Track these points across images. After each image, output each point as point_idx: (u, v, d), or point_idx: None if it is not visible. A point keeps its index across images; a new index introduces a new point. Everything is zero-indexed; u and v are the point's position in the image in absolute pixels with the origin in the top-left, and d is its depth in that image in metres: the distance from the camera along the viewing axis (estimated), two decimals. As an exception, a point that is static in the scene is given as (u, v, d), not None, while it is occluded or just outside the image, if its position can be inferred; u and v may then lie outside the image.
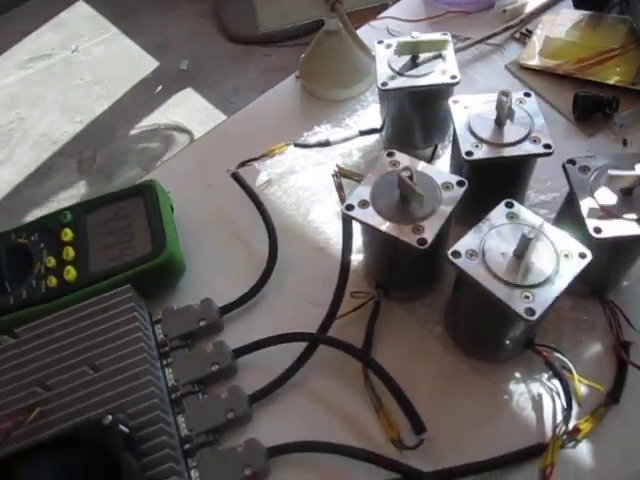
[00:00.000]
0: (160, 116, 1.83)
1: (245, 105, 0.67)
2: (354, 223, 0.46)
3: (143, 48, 2.02)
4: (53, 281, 0.50)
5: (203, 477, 0.41)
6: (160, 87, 1.91)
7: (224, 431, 0.44)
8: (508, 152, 0.46)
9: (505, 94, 0.46)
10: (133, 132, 1.81)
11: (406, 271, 0.48)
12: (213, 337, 0.49)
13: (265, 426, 0.44)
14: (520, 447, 0.41)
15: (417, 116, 0.55)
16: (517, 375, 0.45)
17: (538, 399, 0.44)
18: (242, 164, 0.56)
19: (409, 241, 0.41)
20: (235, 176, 0.55)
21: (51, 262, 0.51)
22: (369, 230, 0.44)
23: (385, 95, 0.54)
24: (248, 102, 0.67)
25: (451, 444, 0.42)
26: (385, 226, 0.42)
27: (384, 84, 0.51)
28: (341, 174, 0.54)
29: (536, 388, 0.44)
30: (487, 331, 0.45)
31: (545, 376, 0.45)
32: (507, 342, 0.44)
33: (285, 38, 1.91)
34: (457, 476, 0.40)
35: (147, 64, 1.97)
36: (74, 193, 1.65)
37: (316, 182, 0.57)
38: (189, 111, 1.83)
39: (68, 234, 0.52)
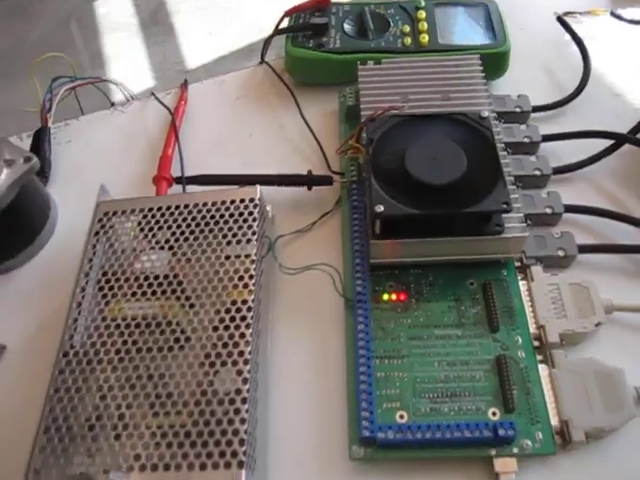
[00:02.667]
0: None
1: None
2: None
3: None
4: (408, 41, 0.61)
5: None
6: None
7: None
8: None
9: None
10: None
11: None
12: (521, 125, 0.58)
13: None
14: None
15: None
16: None
17: None
18: (566, 13, 0.66)
19: None
20: (560, 20, 0.65)
21: (406, 29, 0.62)
22: None
23: None
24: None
25: None
26: None
27: None
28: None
29: None
30: None
31: None
32: None
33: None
34: None
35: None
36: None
37: (622, 51, 0.66)
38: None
39: (422, 14, 0.63)
